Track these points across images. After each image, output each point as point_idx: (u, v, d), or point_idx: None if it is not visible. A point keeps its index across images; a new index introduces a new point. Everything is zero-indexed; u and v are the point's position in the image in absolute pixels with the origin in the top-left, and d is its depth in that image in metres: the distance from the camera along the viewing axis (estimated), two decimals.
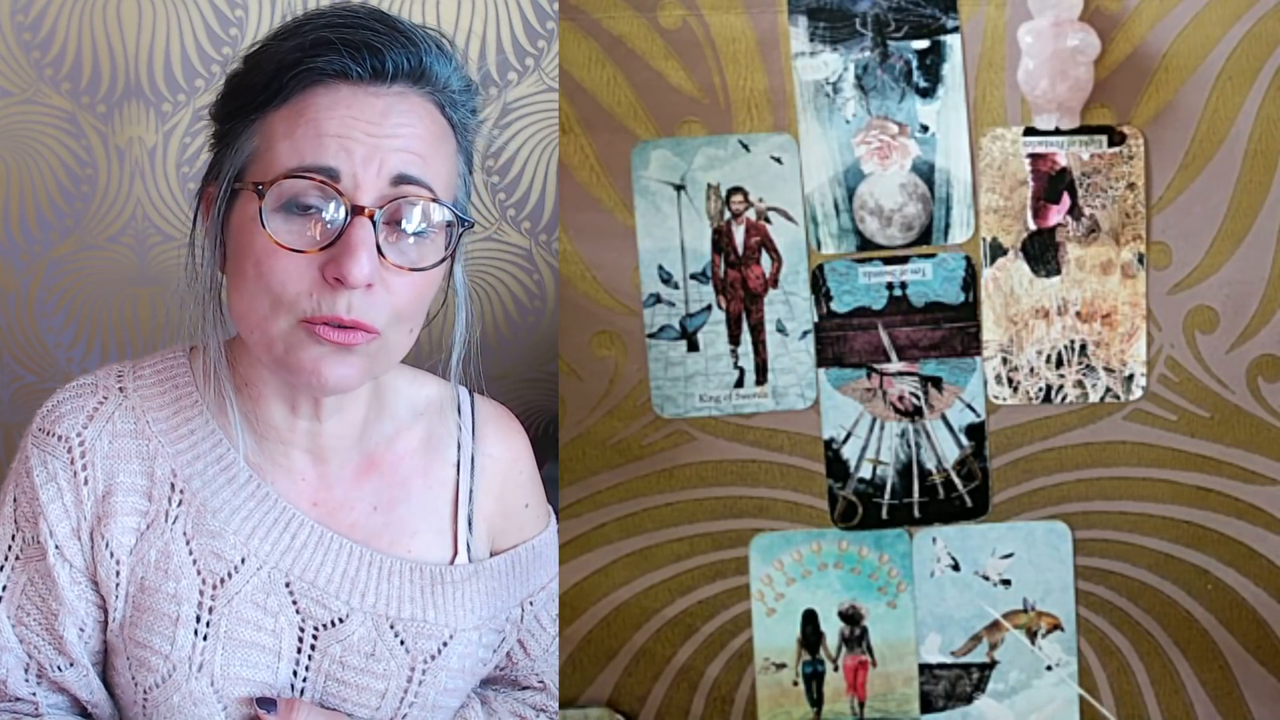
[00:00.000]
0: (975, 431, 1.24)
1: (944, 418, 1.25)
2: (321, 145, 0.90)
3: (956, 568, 1.26)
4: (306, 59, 0.91)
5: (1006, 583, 1.25)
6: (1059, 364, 1.23)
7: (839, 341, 1.24)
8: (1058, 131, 1.21)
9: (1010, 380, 1.24)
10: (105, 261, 1.50)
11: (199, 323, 0.98)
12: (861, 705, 1.26)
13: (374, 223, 0.90)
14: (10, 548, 0.99)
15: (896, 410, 1.25)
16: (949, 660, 1.26)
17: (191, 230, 0.99)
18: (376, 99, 0.92)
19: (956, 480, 1.25)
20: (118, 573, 0.98)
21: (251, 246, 0.91)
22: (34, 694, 1.00)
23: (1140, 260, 1.22)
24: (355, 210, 0.89)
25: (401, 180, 0.91)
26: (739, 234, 1.24)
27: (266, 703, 0.99)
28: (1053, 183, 1.22)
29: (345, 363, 0.92)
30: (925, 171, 1.22)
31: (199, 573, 0.99)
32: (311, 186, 0.90)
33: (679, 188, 1.24)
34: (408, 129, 0.92)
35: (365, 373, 0.95)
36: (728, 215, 1.24)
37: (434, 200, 0.93)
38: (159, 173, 1.48)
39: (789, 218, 1.23)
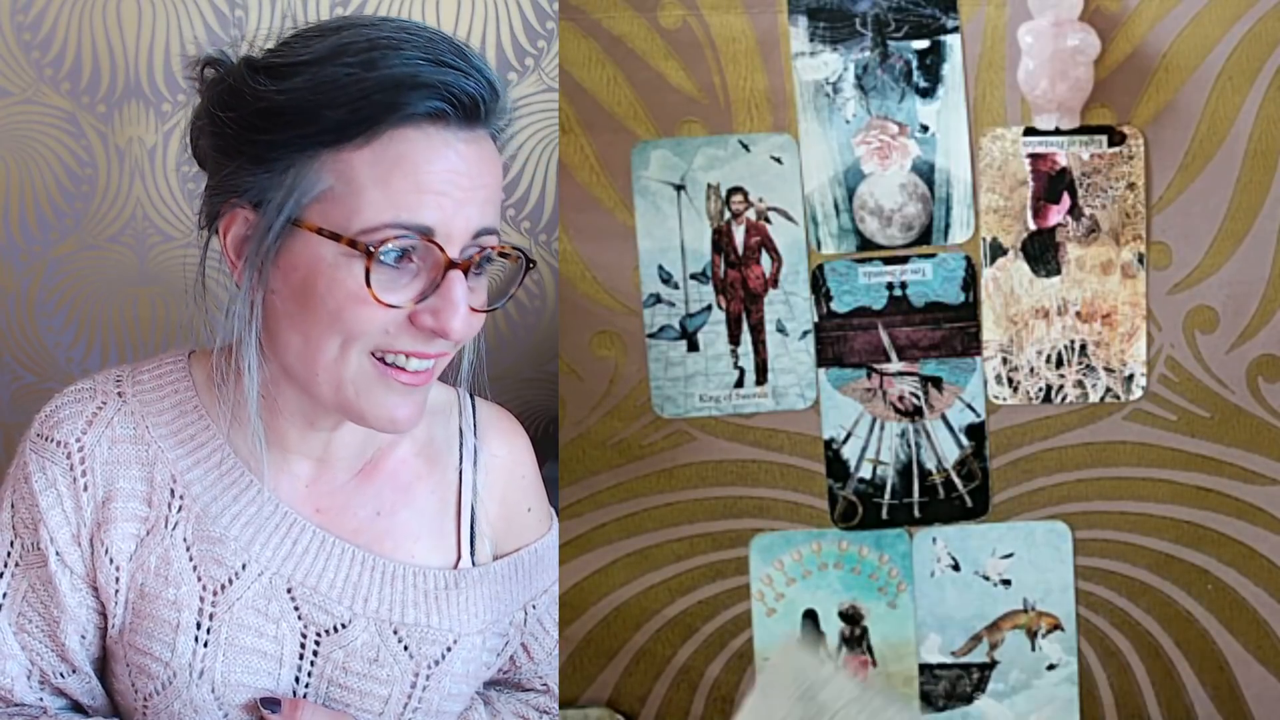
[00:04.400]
0: (975, 431, 1.24)
1: (944, 418, 1.25)
2: (421, 202, 0.87)
3: (956, 568, 1.26)
4: (401, 100, 0.86)
5: (1007, 583, 1.25)
6: (1059, 364, 1.23)
7: (839, 341, 1.24)
8: (1058, 131, 1.21)
9: (1010, 380, 1.24)
10: (105, 261, 1.50)
11: (237, 337, 0.95)
12: None
13: (465, 274, 0.90)
14: (10, 554, 0.98)
15: (896, 410, 1.25)
16: (949, 660, 1.26)
17: (204, 247, 0.97)
18: (468, 146, 0.90)
19: (956, 480, 1.25)
20: (117, 579, 0.98)
21: (331, 293, 0.88)
22: (40, 699, 1.00)
23: (1140, 260, 1.22)
24: (450, 264, 0.89)
25: (483, 233, 0.91)
26: (739, 234, 1.24)
27: (270, 703, 0.99)
28: (1053, 183, 1.22)
29: (412, 402, 0.94)
30: (925, 171, 1.22)
31: (199, 579, 0.98)
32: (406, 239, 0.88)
33: (679, 188, 1.24)
34: (488, 176, 0.91)
35: (425, 405, 0.97)
36: (728, 215, 1.24)
37: (507, 247, 0.94)
38: (159, 173, 1.48)
39: (789, 218, 1.23)
